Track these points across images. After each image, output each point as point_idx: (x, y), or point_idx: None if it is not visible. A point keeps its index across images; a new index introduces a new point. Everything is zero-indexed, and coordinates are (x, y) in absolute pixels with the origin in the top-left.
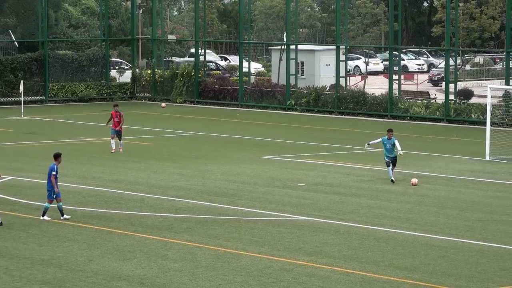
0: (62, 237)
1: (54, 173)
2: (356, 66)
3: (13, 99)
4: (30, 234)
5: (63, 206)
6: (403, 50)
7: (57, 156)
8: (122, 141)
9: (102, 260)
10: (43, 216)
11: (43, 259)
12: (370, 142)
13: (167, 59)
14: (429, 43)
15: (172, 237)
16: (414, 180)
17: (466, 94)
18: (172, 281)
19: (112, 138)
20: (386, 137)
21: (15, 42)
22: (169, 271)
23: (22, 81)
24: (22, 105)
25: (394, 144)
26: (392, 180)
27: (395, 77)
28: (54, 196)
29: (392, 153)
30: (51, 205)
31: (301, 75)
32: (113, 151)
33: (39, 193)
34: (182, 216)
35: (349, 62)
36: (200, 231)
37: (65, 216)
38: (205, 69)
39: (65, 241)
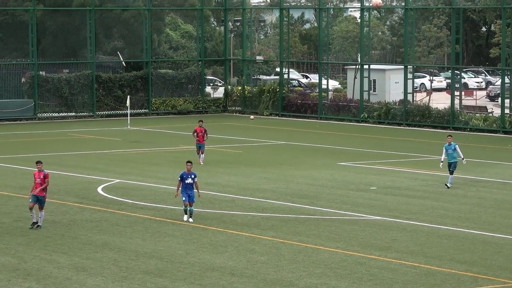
0: (163, 233)
1: (188, 178)
2: (422, 83)
3: (120, 112)
4: (135, 230)
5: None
6: (464, 70)
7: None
8: (203, 155)
9: (197, 253)
10: (187, 217)
11: (146, 252)
12: (442, 160)
13: (255, 77)
14: (487, 63)
15: (259, 233)
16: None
17: None
18: (259, 272)
19: (198, 153)
20: (447, 143)
21: (123, 62)
22: (256, 263)
23: (128, 96)
24: (128, 117)
25: (455, 149)
26: (446, 185)
27: (457, 93)
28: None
29: (452, 158)
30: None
31: (373, 91)
32: (201, 163)
33: (143, 194)
34: (268, 215)
35: (415, 80)
36: (283, 228)
37: (190, 219)
38: (289, 86)
39: (166, 237)
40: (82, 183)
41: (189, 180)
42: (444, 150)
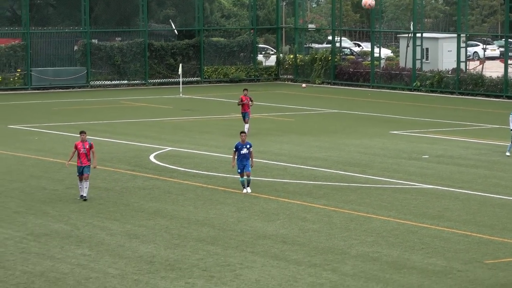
0: (215, 200)
1: (242, 148)
2: (475, 52)
3: (173, 80)
4: (187, 198)
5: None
6: None
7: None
8: (248, 124)
9: (249, 221)
10: (246, 188)
11: (198, 220)
12: (511, 129)
13: (307, 45)
14: None
15: (311, 201)
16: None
17: None
18: (311, 240)
19: (246, 123)
20: None
21: (175, 31)
22: (308, 231)
23: (180, 64)
24: (180, 85)
25: None
26: (508, 155)
27: (510, 62)
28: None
29: None
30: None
31: (426, 60)
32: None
33: (195, 162)
34: (319, 183)
35: (468, 49)
36: (335, 197)
37: (248, 189)
38: (341, 54)
39: (218, 204)
40: (134, 150)
41: (245, 151)
42: (510, 119)
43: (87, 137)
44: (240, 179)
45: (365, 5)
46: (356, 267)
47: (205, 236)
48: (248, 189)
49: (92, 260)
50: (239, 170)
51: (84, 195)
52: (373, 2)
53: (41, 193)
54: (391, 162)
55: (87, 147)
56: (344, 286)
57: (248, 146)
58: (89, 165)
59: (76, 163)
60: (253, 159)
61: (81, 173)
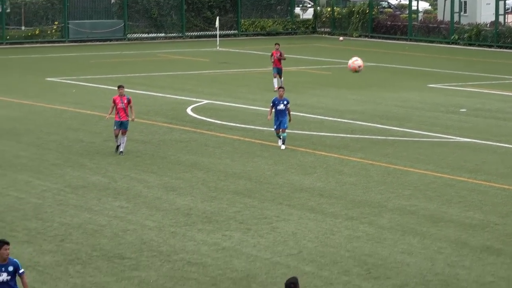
0: (251, 153)
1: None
2: None
3: (209, 33)
4: (224, 151)
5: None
6: None
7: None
8: (282, 78)
9: (286, 174)
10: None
11: (235, 172)
12: None
13: None
14: None
15: (348, 155)
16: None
17: None
18: (348, 193)
19: (275, 77)
20: None
21: None
22: (345, 184)
23: (217, 17)
24: (217, 38)
25: None
26: None
27: None
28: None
29: None
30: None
31: (464, 13)
32: (275, 89)
33: (232, 115)
34: (357, 137)
35: (507, 1)
36: (372, 150)
37: (282, 146)
38: (378, 7)
39: (254, 157)
40: (171, 103)
41: (281, 106)
42: None
43: (125, 90)
44: (276, 134)
45: (354, 69)
46: (393, 220)
47: (242, 189)
48: (282, 146)
49: (129, 212)
50: (275, 126)
51: (121, 150)
52: (361, 64)
53: (78, 146)
54: (428, 115)
55: (125, 101)
56: (381, 239)
57: (285, 102)
58: (128, 120)
59: (114, 117)
60: (290, 114)
61: (120, 127)
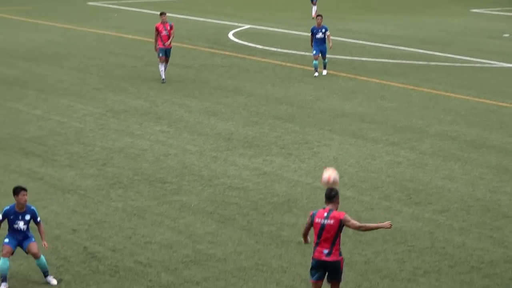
0: (293, 78)
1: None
2: None
3: None
4: (266, 75)
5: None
6: None
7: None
8: (316, 6)
9: (327, 99)
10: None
11: (277, 98)
12: None
13: None
14: None
15: (390, 80)
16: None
17: None
18: (389, 118)
19: (314, 4)
20: None
21: None
22: (387, 110)
23: None
24: None
25: None
26: None
27: None
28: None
29: None
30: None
31: None
32: (313, 17)
33: (274, 40)
34: (398, 62)
35: None
36: (414, 75)
37: (324, 71)
38: None
39: (296, 83)
40: (213, 28)
41: (320, 35)
42: None
43: (167, 16)
44: (314, 61)
45: (327, 182)
46: (435, 146)
47: (283, 114)
48: (324, 71)
49: (170, 136)
50: (314, 52)
51: (163, 77)
52: (335, 177)
53: (120, 70)
54: (471, 40)
55: (168, 28)
56: (422, 164)
57: (323, 30)
58: (171, 48)
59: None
60: (330, 41)
61: (164, 54)
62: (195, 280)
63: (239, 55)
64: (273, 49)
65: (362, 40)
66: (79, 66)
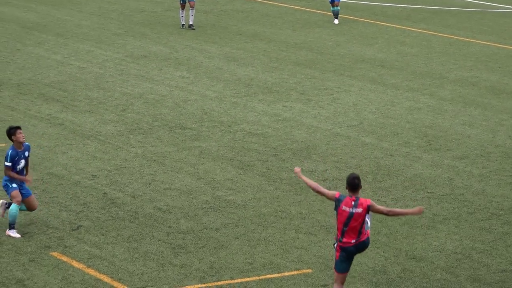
0: (313, 24)
1: None
2: None
3: None
4: (286, 21)
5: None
6: None
7: None
8: None
9: (348, 45)
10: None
11: (296, 43)
12: None
13: None
14: None
15: (410, 25)
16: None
17: None
18: (409, 64)
19: None
20: None
21: None
22: (407, 55)
23: None
24: None
25: None
26: None
27: None
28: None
29: None
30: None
31: None
32: None
33: None
34: (419, 7)
35: None
36: (434, 21)
37: (335, 21)
38: None
39: (316, 28)
40: None
41: None
42: None
43: None
44: (331, 8)
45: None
46: (455, 92)
47: (303, 60)
48: (336, 21)
49: (190, 82)
50: None
51: (191, 22)
52: None
53: (140, 15)
54: None
55: None
56: (442, 110)
57: None
58: None
59: None
60: None
61: (184, 1)
62: (214, 227)
63: (259, 0)
64: None
65: None
66: (99, 11)
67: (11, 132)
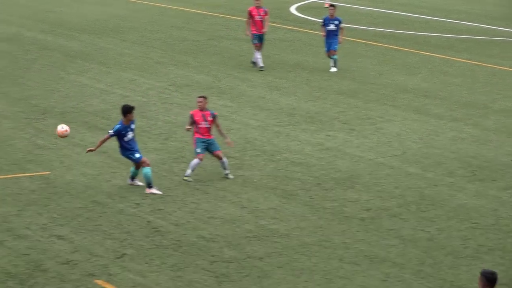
0: (356, 53)
1: None
2: None
3: None
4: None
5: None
6: None
7: None
8: None
9: (390, 74)
10: None
11: (339, 72)
12: None
13: None
14: None
15: (453, 55)
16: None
17: None
18: (453, 94)
19: None
20: None
21: None
22: (450, 85)
23: None
24: None
25: None
26: None
27: None
28: None
29: None
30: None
31: None
32: (326, 5)
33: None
34: (462, 37)
35: None
36: (478, 51)
37: (333, 69)
38: None
39: (359, 57)
40: (275, 2)
41: (332, 27)
42: None
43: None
44: (328, 57)
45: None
46: (499, 122)
47: (346, 89)
48: (333, 69)
49: (233, 111)
50: (325, 48)
51: (261, 64)
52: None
53: (182, 44)
54: None
55: (262, 13)
56: (486, 140)
57: (336, 22)
58: (264, 33)
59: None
60: (343, 34)
61: (260, 41)
62: (257, 256)
63: (302, 30)
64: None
65: (425, 15)
66: (141, 39)
67: (129, 110)
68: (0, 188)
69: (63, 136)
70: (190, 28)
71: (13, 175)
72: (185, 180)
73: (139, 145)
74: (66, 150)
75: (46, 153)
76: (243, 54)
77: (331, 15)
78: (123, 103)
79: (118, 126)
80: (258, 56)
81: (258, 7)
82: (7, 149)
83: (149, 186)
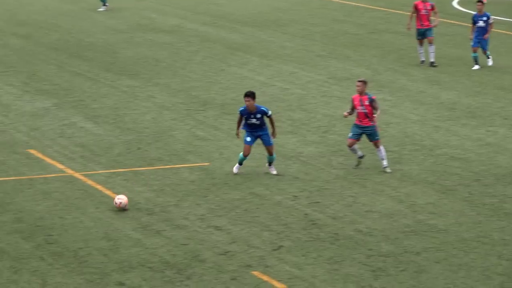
0: None
1: None
2: None
3: None
4: (490, 44)
5: None
6: None
7: None
8: None
9: None
10: None
11: (501, 67)
12: None
13: None
14: None
15: None
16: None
17: None
18: None
19: None
20: None
21: None
22: None
23: None
24: None
25: None
26: None
27: None
28: None
29: None
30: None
31: None
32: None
33: (499, 9)
34: None
35: None
36: None
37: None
38: None
39: None
40: None
41: (481, 23)
42: None
43: None
44: (472, 53)
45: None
46: None
47: (508, 84)
48: (489, 61)
49: (392, 105)
50: (472, 43)
51: (432, 59)
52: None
53: (343, 37)
54: None
55: (429, 7)
56: None
57: (484, 18)
58: (432, 28)
59: (415, 25)
60: (490, 31)
61: (423, 36)
62: (415, 250)
63: (464, 24)
64: (498, 17)
65: None
66: (302, 32)
67: (252, 96)
68: (160, 178)
69: (119, 208)
70: (351, 21)
71: (173, 166)
72: (386, 171)
73: (298, 138)
74: (226, 142)
75: (205, 144)
76: (404, 48)
77: (480, 11)
78: (282, 96)
79: (241, 108)
80: (420, 51)
81: (424, 1)
82: (168, 140)
83: (270, 164)
